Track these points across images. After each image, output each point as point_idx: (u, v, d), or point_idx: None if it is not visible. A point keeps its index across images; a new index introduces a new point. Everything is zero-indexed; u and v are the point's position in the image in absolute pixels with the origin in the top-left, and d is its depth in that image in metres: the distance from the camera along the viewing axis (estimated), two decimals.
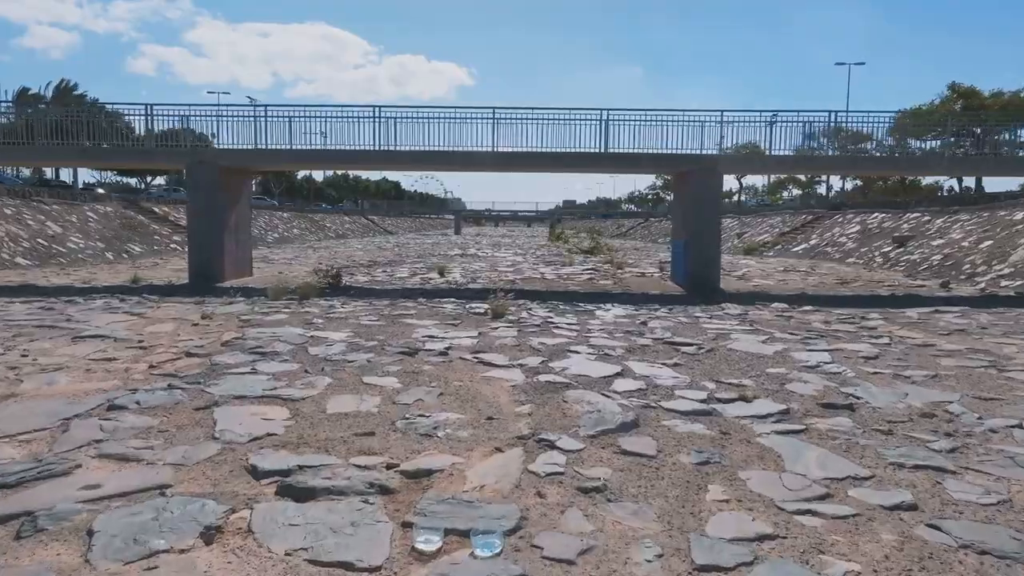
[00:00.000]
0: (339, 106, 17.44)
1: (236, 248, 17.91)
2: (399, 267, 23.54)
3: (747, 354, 8.27)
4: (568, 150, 17.26)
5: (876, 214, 31.91)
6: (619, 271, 22.32)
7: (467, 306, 12.19)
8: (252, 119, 17.33)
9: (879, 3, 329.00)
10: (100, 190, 53.46)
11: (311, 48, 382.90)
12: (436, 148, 17.24)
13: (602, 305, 13.02)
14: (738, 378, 6.92)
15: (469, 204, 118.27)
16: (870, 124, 18.03)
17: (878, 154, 18.93)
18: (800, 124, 17.67)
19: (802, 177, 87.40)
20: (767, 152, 17.72)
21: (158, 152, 17.10)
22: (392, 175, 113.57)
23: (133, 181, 63.55)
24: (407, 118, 17.60)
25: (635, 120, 17.52)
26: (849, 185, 63.40)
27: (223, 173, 17.01)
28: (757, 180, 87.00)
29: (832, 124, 17.22)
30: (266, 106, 17.17)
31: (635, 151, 17.25)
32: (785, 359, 8.03)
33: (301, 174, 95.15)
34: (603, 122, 17.47)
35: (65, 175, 51.25)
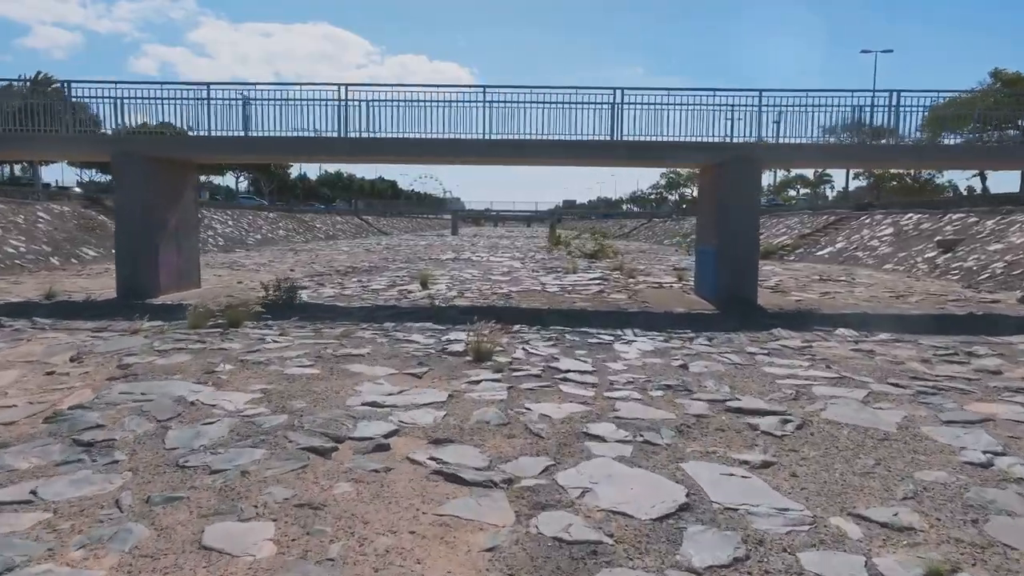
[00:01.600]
0: (296, 85, 14.44)
1: (177, 256, 14.94)
2: (379, 275, 20.57)
3: (860, 432, 5.34)
4: (574, 138, 14.32)
5: (910, 215, 28.93)
6: (631, 280, 19.36)
7: (444, 338, 9.23)
8: (194, 102, 14.38)
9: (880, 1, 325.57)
10: (77, 188, 50.59)
11: (313, 48, 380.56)
12: (415, 135, 14.30)
13: (621, 333, 10.06)
14: (883, 501, 3.98)
15: (468, 204, 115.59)
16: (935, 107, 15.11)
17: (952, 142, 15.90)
18: (851, 108, 14.74)
19: (809, 175, 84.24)
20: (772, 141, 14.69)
21: (75, 139, 14.11)
22: (388, 173, 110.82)
23: None
24: (381, 101, 14.65)
25: (653, 104, 14.57)
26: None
27: (157, 165, 14.05)
28: (764, 178, 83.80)
29: (895, 106, 14.23)
30: (209, 84, 14.20)
31: (654, 139, 14.29)
32: (925, 445, 5.09)
33: (294, 173, 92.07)
34: (615, 106, 14.52)
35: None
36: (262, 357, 7.65)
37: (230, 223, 43.34)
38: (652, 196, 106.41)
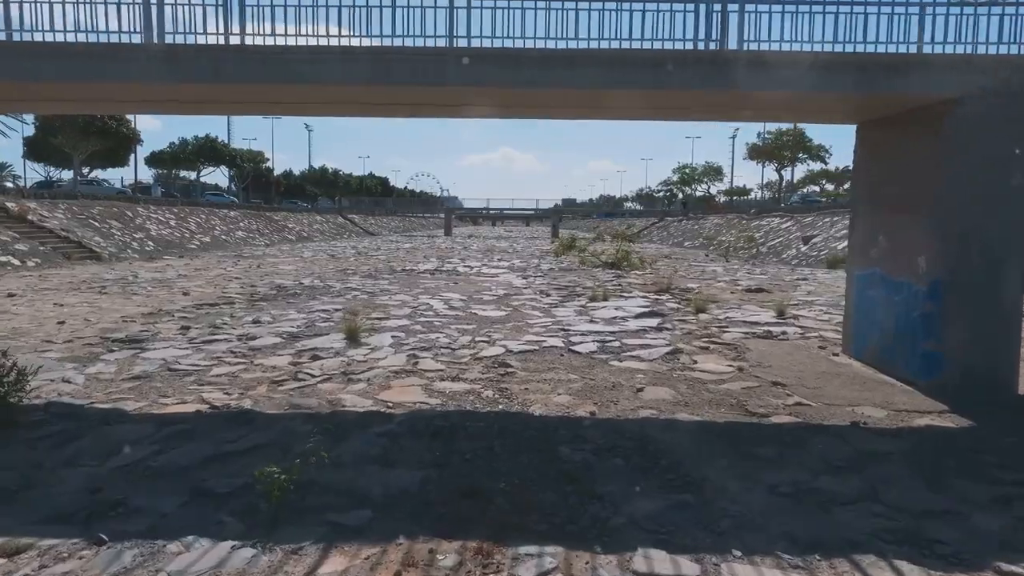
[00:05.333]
0: None
1: None
2: (306, 304, 13.19)
3: None
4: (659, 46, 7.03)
5: None
6: (704, 316, 12.01)
7: None
8: None
9: None
10: (8, 183, 43.29)
11: None
12: (311, 40, 6.96)
13: None
14: None
15: (466, 202, 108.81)
16: None
17: None
18: None
19: (829, 168, 75.94)
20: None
21: None
22: (379, 170, 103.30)
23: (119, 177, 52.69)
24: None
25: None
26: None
27: None
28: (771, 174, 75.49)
29: None
30: None
31: (817, 50, 6.96)
32: None
33: (279, 170, 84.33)
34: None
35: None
36: None
37: (172, 223, 36.01)
38: (662, 193, 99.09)
